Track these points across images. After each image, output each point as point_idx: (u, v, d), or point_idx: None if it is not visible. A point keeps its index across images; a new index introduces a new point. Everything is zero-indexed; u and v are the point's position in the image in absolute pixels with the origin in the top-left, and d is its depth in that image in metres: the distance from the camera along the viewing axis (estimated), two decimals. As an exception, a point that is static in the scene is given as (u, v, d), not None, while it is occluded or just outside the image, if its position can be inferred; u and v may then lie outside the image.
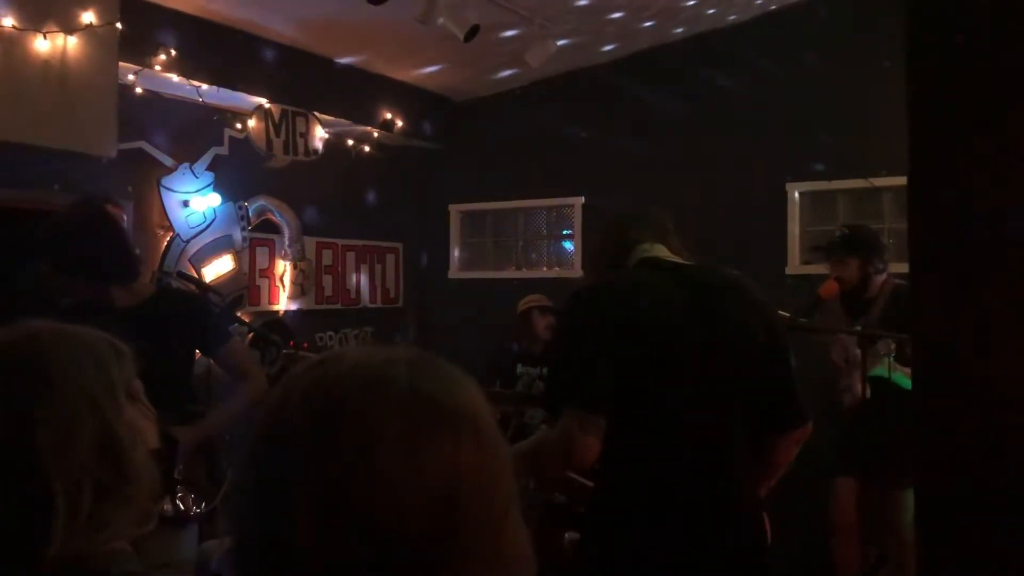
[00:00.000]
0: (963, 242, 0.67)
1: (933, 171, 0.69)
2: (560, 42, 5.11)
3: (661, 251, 2.12)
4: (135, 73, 4.35)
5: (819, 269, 4.21)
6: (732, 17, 5.46)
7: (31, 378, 1.08)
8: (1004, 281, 0.65)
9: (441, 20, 4.31)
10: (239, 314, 4.79)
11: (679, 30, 5.59)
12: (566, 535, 2.02)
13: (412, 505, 0.69)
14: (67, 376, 1.09)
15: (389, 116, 5.81)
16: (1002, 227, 0.66)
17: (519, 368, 5.09)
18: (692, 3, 5.12)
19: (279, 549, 0.70)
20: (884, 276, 3.92)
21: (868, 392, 3.45)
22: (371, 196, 6.27)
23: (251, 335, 4.66)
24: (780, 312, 2.81)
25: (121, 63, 4.01)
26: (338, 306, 6.04)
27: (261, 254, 5.45)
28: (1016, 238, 0.65)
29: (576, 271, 5.99)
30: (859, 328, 3.59)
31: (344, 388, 0.73)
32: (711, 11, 5.31)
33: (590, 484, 2.01)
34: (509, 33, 5.06)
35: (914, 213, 0.70)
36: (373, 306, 6.33)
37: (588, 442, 1.82)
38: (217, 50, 4.68)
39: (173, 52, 4.39)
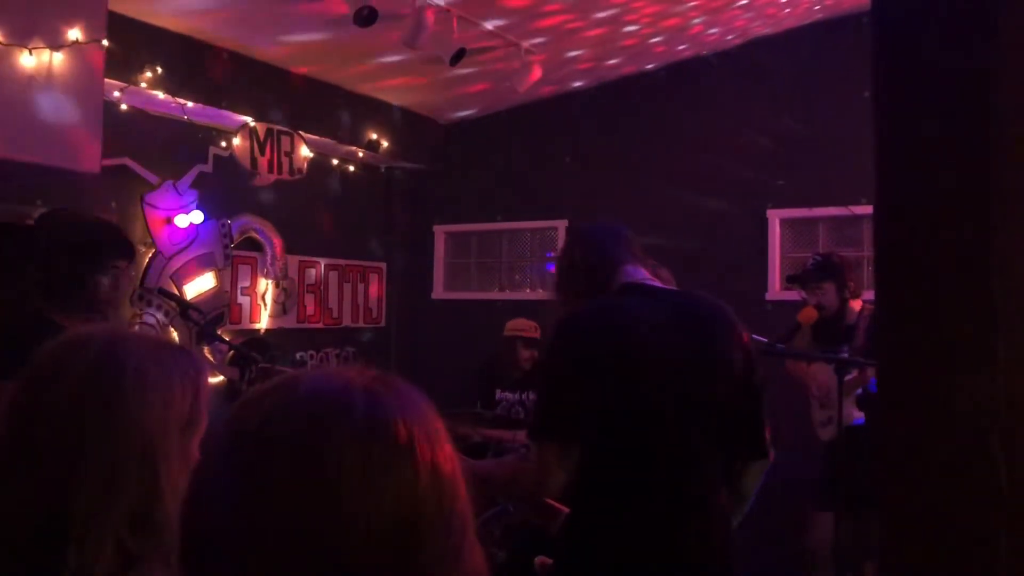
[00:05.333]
0: (927, 267, 0.69)
1: (899, 196, 0.71)
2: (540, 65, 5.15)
3: (642, 274, 2.12)
4: (121, 90, 4.35)
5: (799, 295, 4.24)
6: (705, 53, 5.54)
7: (90, 417, 0.99)
8: (968, 306, 0.67)
9: (428, 43, 4.34)
10: (220, 332, 4.77)
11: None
12: (537, 560, 2.02)
13: (371, 537, 0.67)
14: (129, 416, 1.00)
15: (374, 136, 5.82)
16: (965, 253, 0.68)
17: (497, 394, 5.07)
18: (659, 39, 5.19)
19: None
20: (860, 302, 3.97)
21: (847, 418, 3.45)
22: (355, 216, 6.27)
23: (232, 353, 4.63)
24: (756, 337, 2.83)
25: (107, 80, 4.00)
26: (320, 325, 6.03)
27: (243, 272, 5.43)
28: (979, 264, 0.67)
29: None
30: (845, 355, 3.60)
31: (299, 418, 0.71)
32: (682, 47, 5.37)
33: (564, 509, 2.01)
34: (495, 57, 5.11)
35: (879, 236, 0.72)
36: (355, 326, 6.32)
37: (561, 476, 1.87)
38: (203, 68, 4.70)
39: (159, 70, 4.40)
